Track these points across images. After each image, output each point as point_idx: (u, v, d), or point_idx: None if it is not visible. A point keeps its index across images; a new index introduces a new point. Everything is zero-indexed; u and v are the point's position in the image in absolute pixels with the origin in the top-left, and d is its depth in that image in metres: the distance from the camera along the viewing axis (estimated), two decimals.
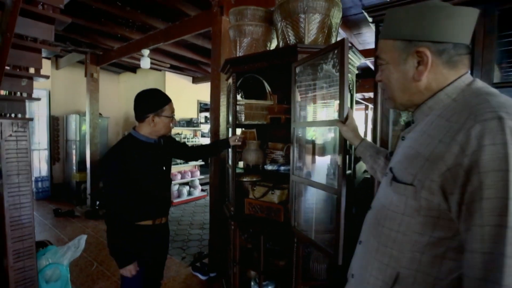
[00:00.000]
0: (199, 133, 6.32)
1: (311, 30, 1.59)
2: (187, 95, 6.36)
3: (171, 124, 1.52)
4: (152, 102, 1.46)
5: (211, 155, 1.94)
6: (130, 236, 1.40)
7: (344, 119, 1.18)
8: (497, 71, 1.25)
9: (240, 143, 1.87)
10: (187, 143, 1.87)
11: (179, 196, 5.36)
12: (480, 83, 0.65)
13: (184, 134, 5.88)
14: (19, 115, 1.71)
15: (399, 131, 1.31)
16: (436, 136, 0.60)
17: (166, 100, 1.50)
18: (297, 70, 1.60)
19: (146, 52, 3.80)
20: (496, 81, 1.13)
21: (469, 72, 0.68)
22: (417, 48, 0.65)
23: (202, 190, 5.76)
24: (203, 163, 5.85)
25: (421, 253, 0.62)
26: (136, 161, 1.41)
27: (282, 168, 1.79)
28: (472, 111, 0.56)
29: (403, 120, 1.33)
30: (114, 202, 1.36)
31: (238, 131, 2.15)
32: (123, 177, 1.36)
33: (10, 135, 1.35)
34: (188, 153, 1.86)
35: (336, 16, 1.65)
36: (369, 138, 1.86)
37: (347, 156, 1.58)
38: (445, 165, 0.56)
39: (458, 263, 0.58)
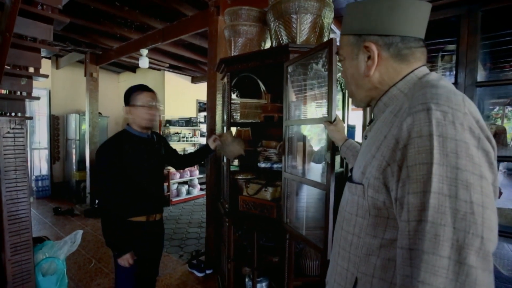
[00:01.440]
0: (198, 133, 6.35)
1: (303, 30, 1.62)
2: (186, 95, 6.40)
3: (150, 114, 1.47)
4: (126, 94, 1.48)
5: (197, 162, 1.93)
6: (123, 229, 1.43)
7: (332, 119, 1.21)
8: (482, 71, 1.28)
9: (219, 142, 1.81)
10: (178, 151, 1.86)
11: (178, 195, 5.40)
12: (432, 76, 0.62)
13: (183, 133, 5.91)
14: (19, 114, 1.75)
15: None
16: (384, 132, 0.58)
17: (138, 89, 1.48)
18: (289, 69, 1.63)
19: (144, 51, 3.84)
20: (480, 80, 1.17)
21: (425, 65, 0.65)
22: (364, 42, 0.64)
23: (201, 189, 5.79)
24: (202, 162, 5.87)
25: (376, 257, 0.60)
26: (129, 155, 1.43)
27: (275, 165, 1.82)
28: (409, 104, 0.54)
29: None
30: (107, 194, 1.39)
31: (233, 129, 2.19)
32: (115, 171, 1.39)
33: (8, 132, 1.39)
34: (178, 160, 1.86)
35: (328, 16, 1.68)
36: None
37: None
38: (385, 160, 0.55)
39: None
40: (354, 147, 1.11)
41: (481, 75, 1.25)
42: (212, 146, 1.82)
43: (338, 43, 1.28)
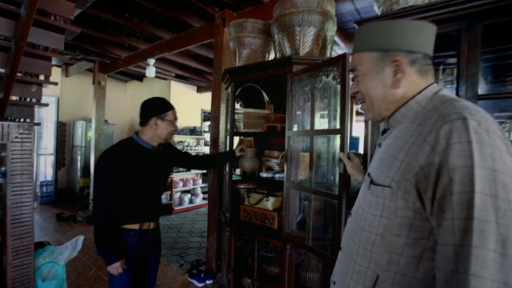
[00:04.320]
0: (202, 142, 6.38)
1: (306, 42, 1.66)
2: (191, 104, 6.47)
3: (174, 130, 1.57)
4: (157, 106, 1.54)
5: (215, 165, 2.02)
6: (114, 237, 1.41)
7: (345, 131, 1.25)
8: (484, 84, 1.28)
9: (245, 153, 2.01)
10: (190, 152, 1.98)
11: (180, 203, 5.38)
12: (445, 92, 0.70)
13: (187, 142, 5.95)
14: (28, 120, 1.80)
15: None
16: (409, 140, 0.64)
17: (170, 106, 1.57)
18: (294, 80, 1.65)
19: (151, 61, 3.93)
20: (481, 93, 1.17)
21: (435, 82, 0.73)
22: (393, 57, 0.70)
23: (204, 198, 5.77)
24: (205, 171, 5.88)
25: (399, 255, 0.64)
26: (129, 163, 1.44)
27: (277, 175, 1.82)
28: (440, 114, 0.60)
29: None
30: (101, 200, 1.39)
31: (236, 139, 2.21)
32: (112, 178, 1.39)
33: (16, 137, 1.42)
34: (191, 161, 1.90)
35: (331, 29, 1.71)
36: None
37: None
38: (418, 164, 0.59)
39: (434, 262, 0.60)
40: None
41: (482, 89, 1.25)
42: (237, 153, 2.00)
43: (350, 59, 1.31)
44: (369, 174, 0.75)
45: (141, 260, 1.58)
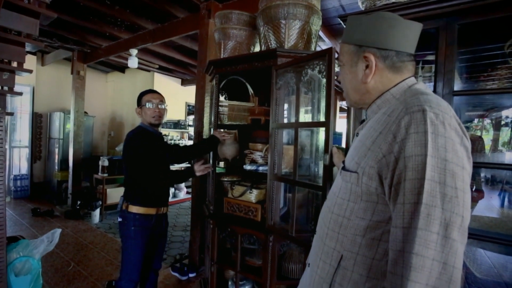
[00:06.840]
0: (186, 135, 6.30)
1: (291, 35, 1.66)
2: (175, 97, 6.35)
3: (154, 111, 1.70)
4: (138, 98, 1.76)
5: (203, 151, 2.03)
6: (194, 147, 1.93)
7: (329, 124, 1.29)
8: (459, 81, 1.34)
9: (207, 171, 1.88)
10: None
11: None
12: (419, 85, 0.72)
13: (171, 135, 5.85)
14: None
15: None
16: (378, 129, 0.67)
17: (145, 93, 1.75)
18: (279, 73, 1.65)
19: (134, 51, 3.81)
20: (456, 89, 1.22)
21: (413, 76, 0.75)
22: (364, 53, 0.73)
23: (187, 192, 5.72)
24: (189, 165, 5.81)
25: (362, 236, 0.68)
26: (153, 147, 1.63)
27: (260, 168, 1.83)
28: (405, 106, 0.63)
29: None
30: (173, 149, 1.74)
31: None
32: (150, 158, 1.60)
33: None
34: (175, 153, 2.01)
35: (316, 23, 1.72)
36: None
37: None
38: (381, 152, 0.63)
39: None
40: None
41: (458, 85, 1.31)
42: (198, 173, 1.85)
43: (338, 50, 1.32)
44: (343, 161, 0.79)
45: (153, 243, 1.71)
